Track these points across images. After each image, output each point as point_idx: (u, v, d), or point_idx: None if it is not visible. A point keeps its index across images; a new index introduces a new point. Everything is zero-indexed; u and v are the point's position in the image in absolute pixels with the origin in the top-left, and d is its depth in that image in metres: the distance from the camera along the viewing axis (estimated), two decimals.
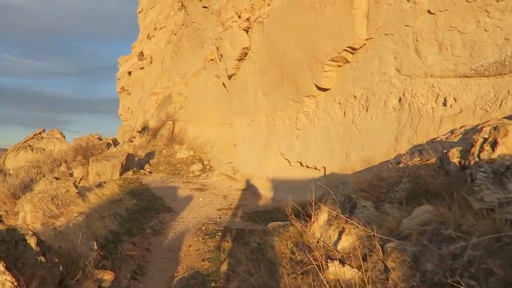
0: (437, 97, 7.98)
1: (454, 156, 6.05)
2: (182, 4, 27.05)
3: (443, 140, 7.55)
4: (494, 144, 3.40)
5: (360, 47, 9.81)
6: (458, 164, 5.83)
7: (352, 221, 3.57)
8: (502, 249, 2.37)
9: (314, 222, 4.18)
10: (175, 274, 5.76)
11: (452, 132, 7.50)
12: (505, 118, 5.85)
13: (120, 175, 17.21)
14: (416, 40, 8.40)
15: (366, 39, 9.66)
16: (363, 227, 3.39)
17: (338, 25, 10.12)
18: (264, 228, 5.85)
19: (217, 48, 19.01)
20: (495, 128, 3.54)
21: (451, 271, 2.47)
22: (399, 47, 8.80)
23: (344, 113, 10.47)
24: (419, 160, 6.94)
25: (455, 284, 2.29)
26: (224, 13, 15.85)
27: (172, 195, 13.13)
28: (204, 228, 7.99)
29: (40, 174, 20.83)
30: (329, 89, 10.96)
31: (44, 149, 32.98)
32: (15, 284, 3.32)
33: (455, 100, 7.63)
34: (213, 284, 5.09)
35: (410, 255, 2.82)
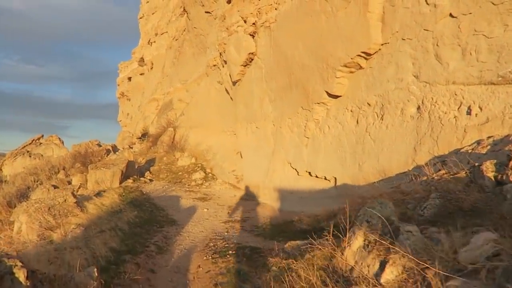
0: (460, 105, 7.51)
1: (489, 170, 5.54)
2: (184, 9, 26.72)
3: (469, 151, 7.08)
4: None
5: (375, 52, 9.36)
6: (493, 179, 5.34)
7: (398, 249, 3.07)
8: None
9: (346, 246, 3.67)
10: None
11: (478, 142, 7.03)
12: None
13: (120, 183, 16.69)
14: (437, 45, 7.95)
15: (381, 44, 9.21)
16: (413, 258, 2.88)
17: (351, 29, 9.68)
18: (281, 247, 5.32)
19: (220, 53, 18.61)
20: None
21: None
22: (418, 52, 8.34)
23: (357, 122, 9.99)
24: (445, 173, 6.45)
25: None
26: (229, 18, 15.43)
27: (175, 205, 12.59)
28: (212, 244, 7.45)
29: (37, 181, 20.27)
30: (340, 96, 10.49)
31: (42, 155, 32.46)
32: None
33: (481, 109, 7.16)
34: None
35: None
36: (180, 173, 19.92)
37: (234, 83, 16.25)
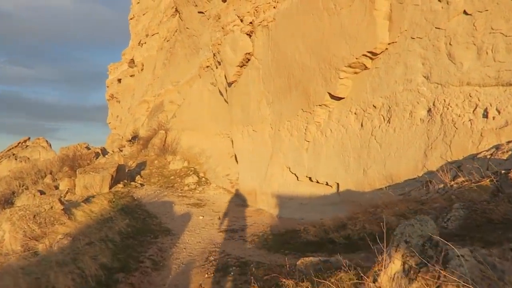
0: (476, 107, 7.07)
1: None
2: (176, 10, 26.12)
3: (488, 156, 6.63)
4: None
5: (382, 52, 8.90)
6: None
7: (451, 277, 2.55)
8: None
9: (380, 271, 3.14)
10: None
11: (497, 147, 6.59)
12: None
13: (110, 188, 16.02)
14: (450, 44, 7.51)
15: (388, 44, 8.76)
16: None
17: (356, 28, 9.21)
18: (291, 262, 4.78)
19: (214, 54, 18.06)
20: None
21: None
22: (429, 52, 7.90)
23: (362, 125, 9.52)
24: (466, 181, 5.99)
25: None
26: (225, 17, 14.89)
27: (168, 212, 11.95)
28: (212, 258, 6.86)
29: (22, 186, 19.51)
30: (343, 98, 10.02)
31: (28, 158, 31.62)
32: None
33: (499, 112, 6.72)
34: None
35: None
36: (172, 177, 19.27)
37: (229, 84, 15.69)
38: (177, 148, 23.15)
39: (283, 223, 10.09)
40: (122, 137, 36.98)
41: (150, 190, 16.50)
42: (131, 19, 41.52)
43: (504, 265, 2.71)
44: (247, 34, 13.55)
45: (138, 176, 19.40)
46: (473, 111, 7.10)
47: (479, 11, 7.07)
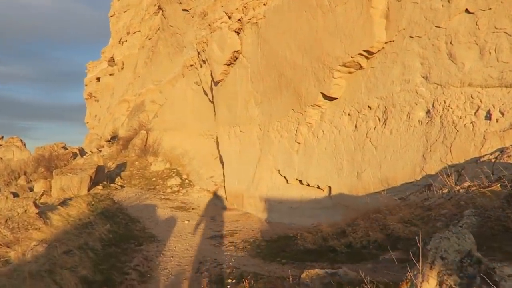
0: (478, 109, 6.84)
1: None
2: (159, 7, 25.43)
3: (492, 160, 6.39)
4: None
5: (378, 51, 8.61)
6: None
7: None
8: None
9: None
10: None
11: (501, 151, 6.35)
12: None
13: (89, 190, 15.29)
14: (450, 44, 7.27)
15: (385, 42, 8.47)
16: None
17: (351, 26, 8.90)
18: (294, 274, 4.37)
19: (198, 53, 17.54)
20: None
21: None
22: (428, 51, 7.64)
23: (356, 126, 9.21)
24: (473, 185, 5.71)
25: None
26: (212, 14, 14.41)
27: (151, 216, 11.36)
28: (204, 268, 6.37)
29: None
30: (337, 98, 9.69)
31: (1, 158, 30.36)
32: None
33: (502, 114, 6.50)
34: None
35: None
36: (154, 179, 18.60)
37: (215, 83, 15.20)
38: (159, 149, 22.45)
39: (273, 228, 9.68)
40: (101, 137, 35.90)
41: (131, 192, 15.84)
42: (111, 16, 40.40)
43: None
44: (235, 32, 13.11)
45: (118, 177, 18.65)
46: (475, 113, 6.86)
47: (482, 10, 6.85)
